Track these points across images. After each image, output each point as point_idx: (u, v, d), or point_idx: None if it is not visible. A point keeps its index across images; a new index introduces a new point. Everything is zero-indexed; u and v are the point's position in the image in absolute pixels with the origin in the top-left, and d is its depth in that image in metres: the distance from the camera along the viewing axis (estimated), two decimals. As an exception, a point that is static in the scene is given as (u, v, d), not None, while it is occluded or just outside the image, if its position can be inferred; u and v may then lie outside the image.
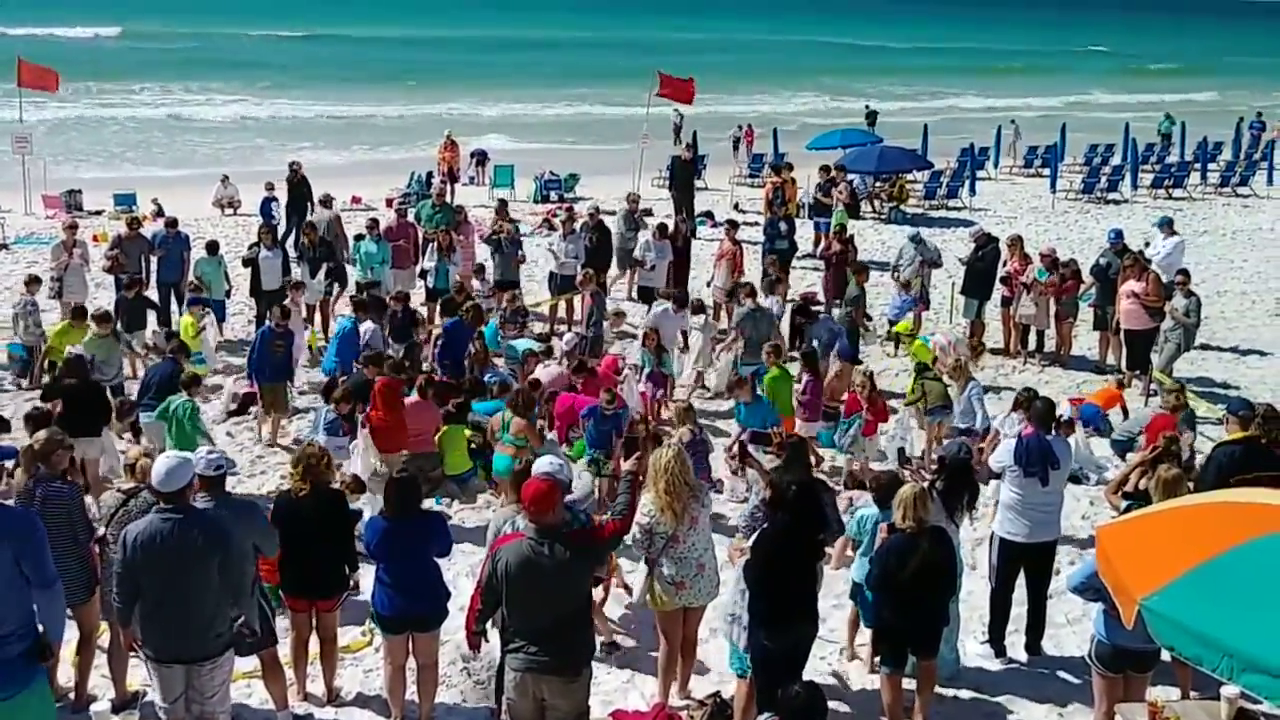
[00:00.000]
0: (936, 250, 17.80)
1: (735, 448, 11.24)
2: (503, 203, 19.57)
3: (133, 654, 7.42)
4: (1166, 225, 18.32)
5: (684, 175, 24.39)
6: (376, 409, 11.15)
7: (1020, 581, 8.94)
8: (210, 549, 6.40)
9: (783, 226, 19.12)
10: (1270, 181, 32.94)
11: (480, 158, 30.81)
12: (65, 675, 8.00)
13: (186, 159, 35.59)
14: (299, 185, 21.52)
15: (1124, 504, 8.58)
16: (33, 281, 15.26)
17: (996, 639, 8.95)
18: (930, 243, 17.97)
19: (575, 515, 7.71)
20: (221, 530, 6.53)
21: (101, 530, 7.65)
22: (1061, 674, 8.70)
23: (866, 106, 41.78)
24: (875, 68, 71.49)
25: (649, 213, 25.84)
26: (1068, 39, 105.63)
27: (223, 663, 6.67)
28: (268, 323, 13.32)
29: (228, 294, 16.61)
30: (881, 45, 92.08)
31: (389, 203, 24.19)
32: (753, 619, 7.26)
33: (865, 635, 8.49)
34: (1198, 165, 33.06)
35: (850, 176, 25.32)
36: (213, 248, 16.46)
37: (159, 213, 24.09)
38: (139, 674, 7.96)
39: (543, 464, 7.63)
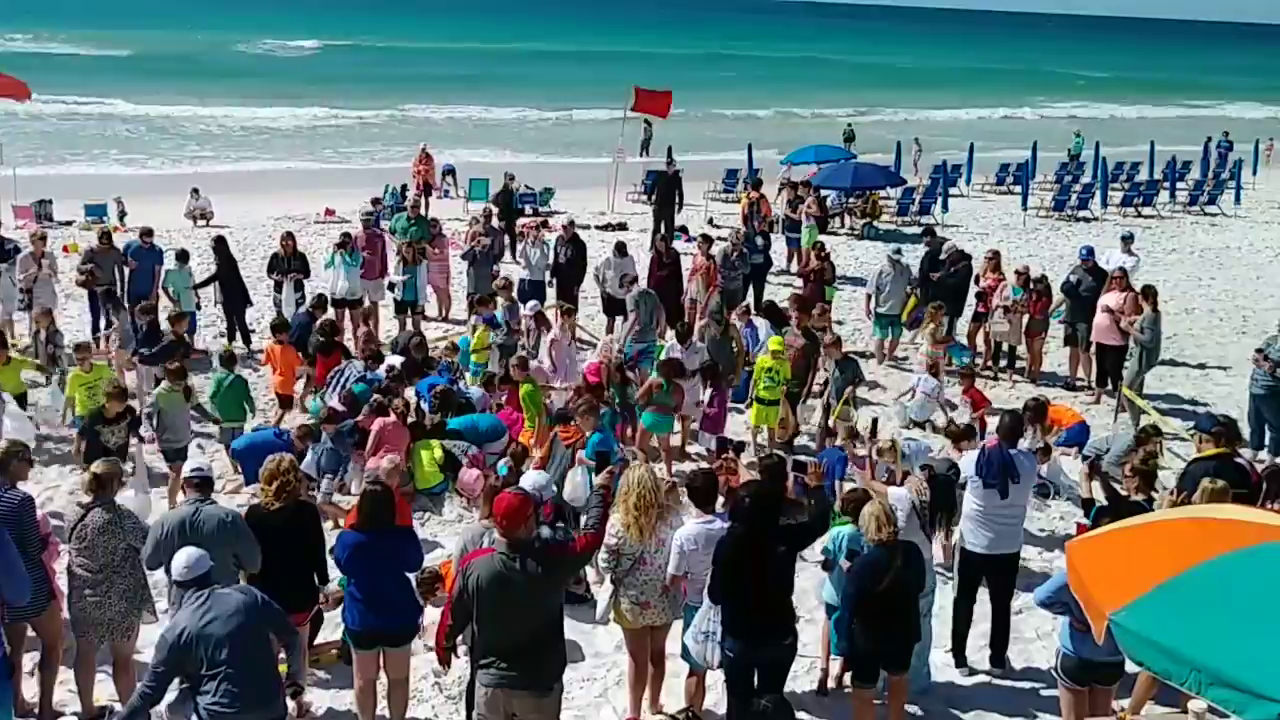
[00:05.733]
0: (909, 269, 17.26)
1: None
2: (488, 214, 19.46)
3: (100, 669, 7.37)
4: (1126, 241, 18.45)
5: (665, 190, 24.41)
6: None
7: (985, 596, 9.00)
8: (253, 610, 6.37)
9: (759, 241, 19.15)
10: (1237, 200, 33.32)
11: (448, 172, 30.83)
12: (30, 690, 7.92)
13: (158, 169, 35.42)
14: (508, 196, 22.19)
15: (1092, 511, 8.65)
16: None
17: (957, 649, 9.00)
18: (905, 262, 17.37)
19: (553, 531, 7.73)
20: (249, 591, 6.55)
21: (64, 545, 7.59)
22: (1030, 687, 8.75)
23: (849, 125, 41.87)
24: (858, 84, 71.88)
25: (624, 226, 25.99)
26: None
27: None
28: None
29: (198, 306, 16.46)
30: (866, 62, 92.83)
31: (369, 215, 24.16)
32: (722, 630, 7.30)
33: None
34: (1166, 184, 33.44)
35: (824, 193, 25.48)
36: (183, 256, 16.36)
37: (122, 214, 24.14)
38: (106, 689, 7.92)
39: (525, 480, 7.62)
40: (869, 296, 17.00)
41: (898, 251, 17.33)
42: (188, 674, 6.24)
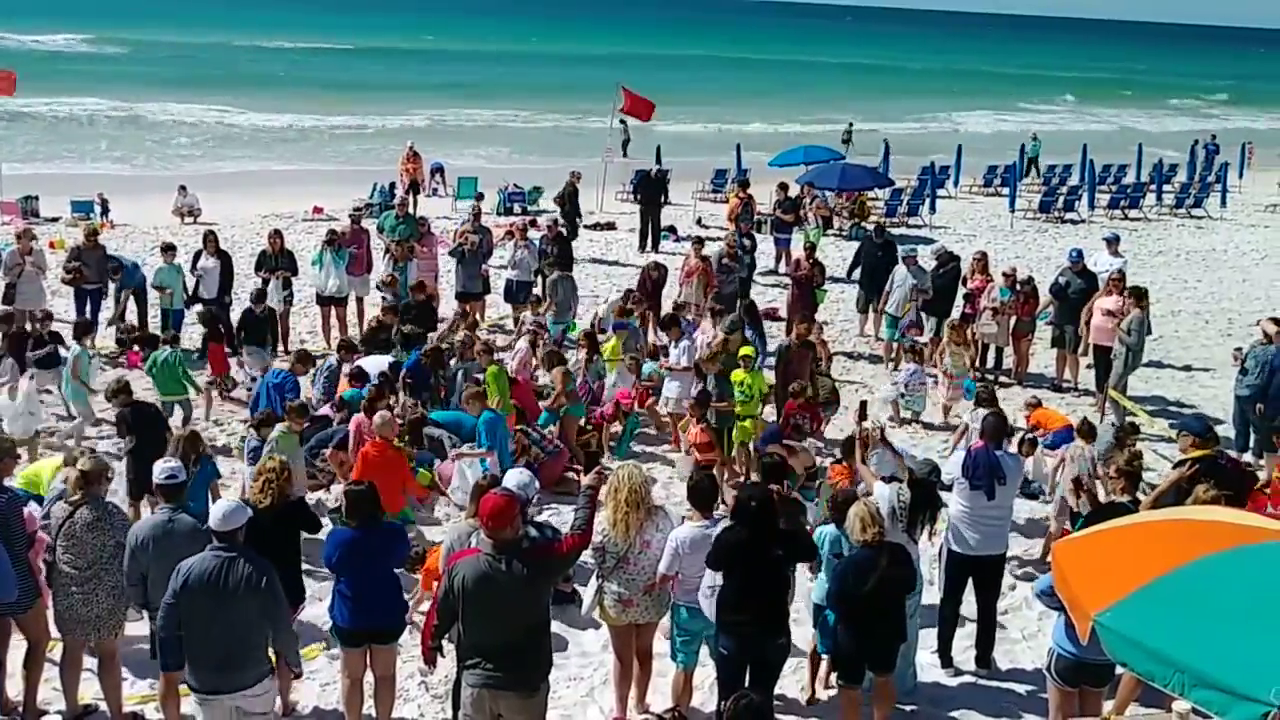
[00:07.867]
0: (927, 276, 16.87)
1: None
2: (477, 211, 19.46)
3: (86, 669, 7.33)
4: (1112, 242, 18.42)
5: (651, 191, 24.40)
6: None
7: (971, 597, 9.02)
8: (255, 586, 6.51)
9: (745, 243, 19.12)
10: (1223, 203, 33.44)
11: (436, 170, 30.81)
12: (15, 689, 7.89)
13: (146, 166, 35.31)
14: (573, 197, 22.46)
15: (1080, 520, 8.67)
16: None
17: (943, 650, 9.02)
18: (921, 265, 17.13)
19: (541, 530, 7.72)
20: (266, 568, 6.65)
21: (49, 541, 7.57)
22: (1016, 688, 8.77)
23: (850, 124, 41.80)
24: (857, 87, 71.81)
25: (612, 225, 25.97)
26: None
27: (264, 692, 6.74)
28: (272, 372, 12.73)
29: (187, 304, 16.39)
30: (855, 63, 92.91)
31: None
32: (717, 628, 7.34)
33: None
34: (1153, 186, 33.57)
35: (815, 193, 25.53)
36: (169, 248, 16.33)
37: (105, 210, 24.09)
38: (92, 687, 7.90)
39: (509, 479, 7.60)
40: (886, 294, 16.98)
41: (913, 252, 17.29)
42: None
